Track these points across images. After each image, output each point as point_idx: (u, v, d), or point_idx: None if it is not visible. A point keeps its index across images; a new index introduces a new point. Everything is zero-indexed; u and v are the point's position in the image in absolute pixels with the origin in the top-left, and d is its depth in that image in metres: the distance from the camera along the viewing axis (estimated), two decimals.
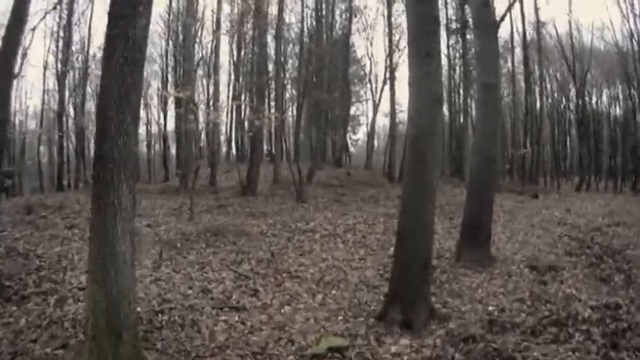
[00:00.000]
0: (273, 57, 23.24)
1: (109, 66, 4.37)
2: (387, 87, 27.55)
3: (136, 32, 4.30)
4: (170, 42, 29.41)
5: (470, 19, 22.28)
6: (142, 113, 36.17)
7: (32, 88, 50.88)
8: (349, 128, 44.73)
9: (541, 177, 30.03)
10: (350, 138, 45.70)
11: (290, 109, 37.75)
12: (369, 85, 36.25)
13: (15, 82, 30.50)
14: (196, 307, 6.46)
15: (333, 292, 7.42)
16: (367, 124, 38.55)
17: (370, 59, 34.79)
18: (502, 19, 8.87)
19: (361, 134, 44.66)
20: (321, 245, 10.21)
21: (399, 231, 6.29)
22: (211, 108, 20.61)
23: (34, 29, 15.30)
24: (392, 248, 9.69)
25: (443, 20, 27.95)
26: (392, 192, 19.36)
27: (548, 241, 10.48)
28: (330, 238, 10.81)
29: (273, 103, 25.80)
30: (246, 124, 35.37)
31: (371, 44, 44.16)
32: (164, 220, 13.32)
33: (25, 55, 20.51)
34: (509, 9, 10.08)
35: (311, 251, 9.75)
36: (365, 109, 43.07)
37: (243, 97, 33.10)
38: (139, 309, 6.24)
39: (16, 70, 10.19)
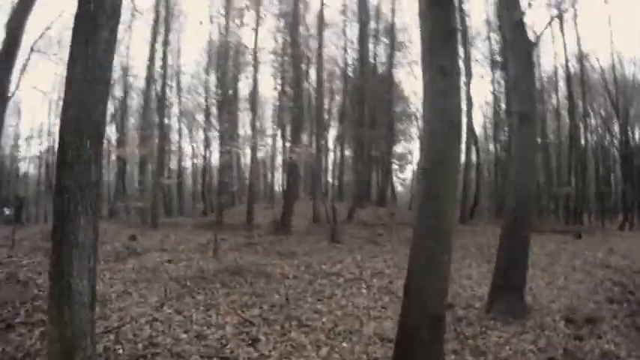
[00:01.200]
0: (313, 90, 23.08)
1: (69, 83, 4.04)
2: None
3: (98, 46, 3.97)
4: (213, 74, 29.88)
5: None
6: (188, 147, 36.93)
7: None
8: (396, 167, 44.04)
9: (585, 215, 29.12)
10: (397, 177, 44.98)
11: (335, 146, 37.67)
12: (415, 123, 35.70)
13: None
14: (183, 355, 5.90)
15: (344, 344, 6.66)
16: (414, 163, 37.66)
17: (416, 96, 34.27)
18: (538, 38, 8.15)
19: (409, 173, 43.62)
20: (344, 290, 9.50)
21: (406, 284, 5.42)
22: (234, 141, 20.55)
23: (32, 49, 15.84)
24: None
25: (487, 54, 27.54)
26: None
27: (588, 287, 9.63)
28: (354, 282, 10.09)
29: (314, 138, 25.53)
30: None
31: (416, 79, 42.74)
32: (187, 256, 13.02)
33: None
34: (546, 27, 9.40)
35: (331, 297, 9.04)
36: (412, 148, 42.37)
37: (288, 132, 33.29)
38: (120, 351, 5.83)
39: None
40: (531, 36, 8.30)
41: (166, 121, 24.88)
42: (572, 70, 27.39)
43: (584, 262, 12.48)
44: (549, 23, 10.34)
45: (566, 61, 26.99)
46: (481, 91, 53.11)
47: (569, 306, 8.07)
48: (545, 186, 28.34)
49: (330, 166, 39.89)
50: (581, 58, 26.73)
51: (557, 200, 28.08)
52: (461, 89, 5.43)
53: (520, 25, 7.79)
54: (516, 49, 7.95)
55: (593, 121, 31.68)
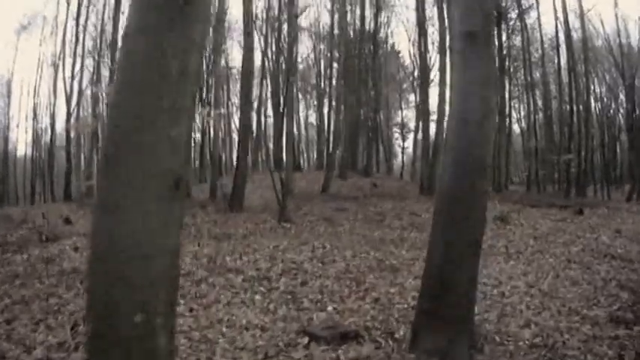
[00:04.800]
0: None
1: None
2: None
3: None
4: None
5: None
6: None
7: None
8: (397, 135, 41.25)
9: (591, 185, 27.00)
10: (399, 145, 42.21)
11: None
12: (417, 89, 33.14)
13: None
14: None
15: None
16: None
17: (413, 62, 31.47)
18: None
19: (411, 142, 40.86)
20: (234, 295, 6.80)
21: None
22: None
23: None
24: (329, 307, 6.40)
25: None
26: (410, 207, 15.86)
27: (585, 293, 6.54)
28: (254, 282, 7.34)
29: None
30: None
31: (413, 45, 37.98)
32: None
33: None
34: None
35: (210, 305, 6.30)
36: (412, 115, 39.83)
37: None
38: None
39: None
40: None
41: None
42: (572, 30, 24.60)
43: (583, 249, 9.41)
44: None
45: (565, 15, 23.82)
46: None
47: (548, 334, 4.92)
48: (546, 154, 25.54)
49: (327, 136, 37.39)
50: (582, 14, 23.51)
51: (558, 169, 25.20)
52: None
53: None
54: None
55: (597, 89, 29.53)
